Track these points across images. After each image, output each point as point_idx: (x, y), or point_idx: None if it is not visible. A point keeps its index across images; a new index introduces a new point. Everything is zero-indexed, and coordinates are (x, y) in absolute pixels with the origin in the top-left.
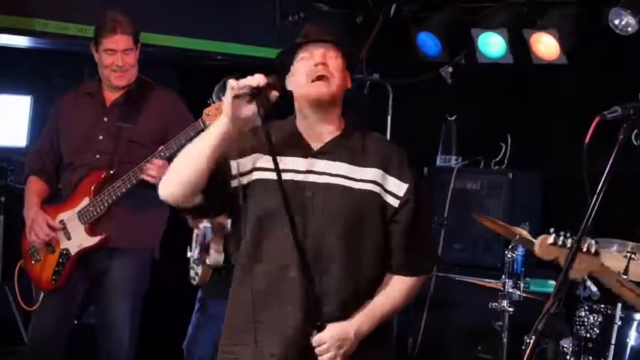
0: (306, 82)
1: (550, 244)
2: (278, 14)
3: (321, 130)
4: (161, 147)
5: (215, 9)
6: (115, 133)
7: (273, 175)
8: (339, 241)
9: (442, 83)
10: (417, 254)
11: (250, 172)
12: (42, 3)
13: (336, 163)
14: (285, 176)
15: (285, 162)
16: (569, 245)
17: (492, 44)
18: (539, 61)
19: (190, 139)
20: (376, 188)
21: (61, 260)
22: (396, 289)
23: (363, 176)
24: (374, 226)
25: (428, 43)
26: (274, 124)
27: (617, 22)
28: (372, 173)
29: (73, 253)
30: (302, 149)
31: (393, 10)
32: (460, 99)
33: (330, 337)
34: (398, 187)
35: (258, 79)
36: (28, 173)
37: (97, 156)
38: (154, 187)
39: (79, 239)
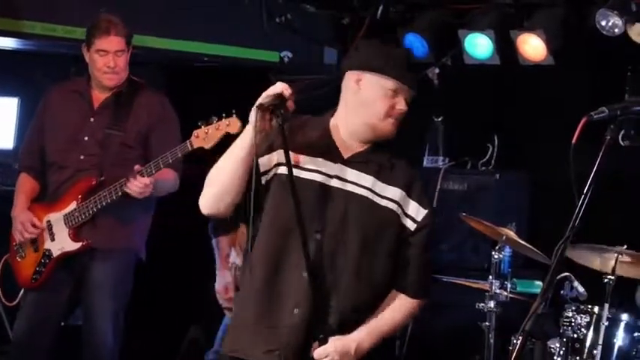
0: (384, 118)
1: None
2: (265, 16)
3: (353, 143)
4: (148, 164)
5: (202, 11)
6: (103, 138)
7: (296, 172)
8: (355, 253)
9: (429, 84)
10: (423, 278)
11: (276, 166)
12: (29, 5)
13: (365, 175)
14: (313, 176)
15: (316, 162)
16: None
17: (479, 45)
18: (526, 62)
19: (176, 159)
20: (396, 208)
21: (42, 260)
22: (399, 309)
23: (387, 193)
24: (388, 245)
25: (415, 44)
26: (310, 120)
27: (603, 23)
28: (395, 192)
29: (54, 255)
30: (333, 154)
31: (379, 12)
32: (447, 100)
33: (333, 350)
34: (417, 211)
35: (282, 88)
36: (19, 169)
37: (82, 157)
38: None
39: (62, 242)
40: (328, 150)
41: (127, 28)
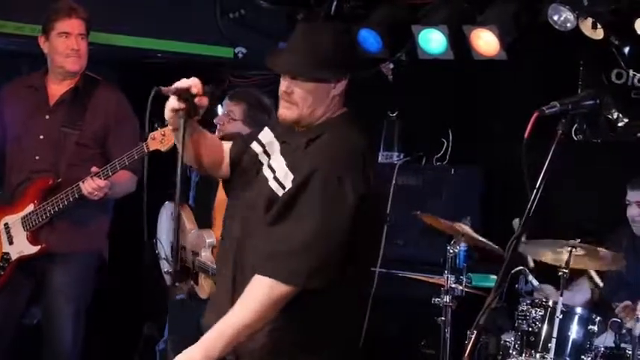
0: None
1: None
2: (218, 11)
3: None
4: (105, 167)
5: (155, 7)
6: (59, 137)
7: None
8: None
9: (383, 80)
10: (275, 254)
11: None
12: None
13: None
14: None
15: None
16: None
17: (433, 40)
18: (479, 57)
19: (134, 162)
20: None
21: (1, 264)
22: (249, 291)
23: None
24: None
25: (369, 39)
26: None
27: (556, 17)
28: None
29: (13, 259)
30: None
31: (333, 7)
32: (401, 95)
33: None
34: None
35: (189, 83)
36: None
37: (37, 157)
38: None
39: (20, 246)
40: None
41: (87, 12)
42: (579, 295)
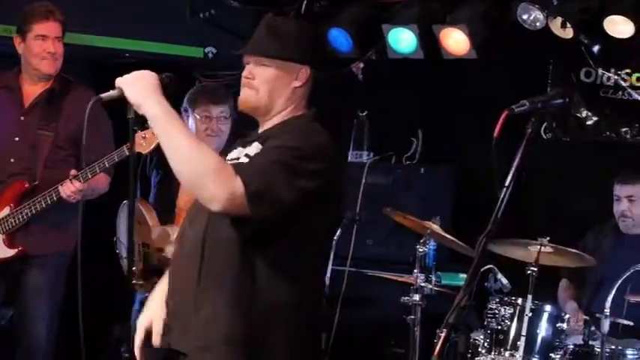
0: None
1: None
2: (188, 11)
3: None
4: (84, 169)
5: (126, 7)
6: (34, 139)
7: None
8: None
9: (354, 79)
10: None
11: None
12: None
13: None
14: None
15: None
16: None
17: (403, 40)
18: (449, 57)
19: (114, 164)
20: None
21: None
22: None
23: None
24: None
25: (339, 39)
26: None
27: (525, 17)
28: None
29: None
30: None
31: (304, 6)
32: (371, 95)
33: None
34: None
35: (119, 87)
36: None
37: (12, 160)
38: None
39: None
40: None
41: (63, 14)
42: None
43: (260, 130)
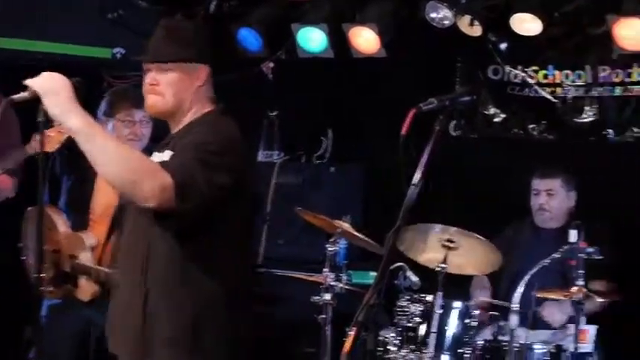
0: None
1: None
2: (96, 11)
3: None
4: None
5: (33, 8)
6: None
7: None
8: None
9: (263, 79)
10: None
11: None
12: None
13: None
14: None
15: None
16: None
17: (312, 39)
18: (358, 55)
19: (20, 165)
20: None
21: None
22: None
23: None
24: None
25: (248, 38)
26: None
27: (433, 15)
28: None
29: None
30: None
31: (213, 6)
32: (281, 94)
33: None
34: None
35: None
36: None
37: None
38: None
39: None
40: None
41: None
42: (484, 292)
43: (173, 132)
